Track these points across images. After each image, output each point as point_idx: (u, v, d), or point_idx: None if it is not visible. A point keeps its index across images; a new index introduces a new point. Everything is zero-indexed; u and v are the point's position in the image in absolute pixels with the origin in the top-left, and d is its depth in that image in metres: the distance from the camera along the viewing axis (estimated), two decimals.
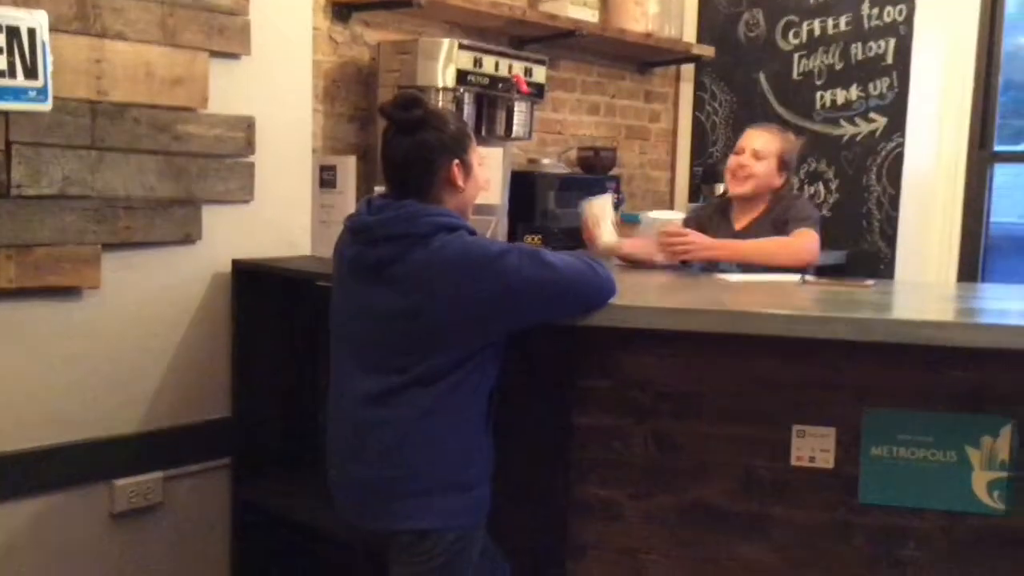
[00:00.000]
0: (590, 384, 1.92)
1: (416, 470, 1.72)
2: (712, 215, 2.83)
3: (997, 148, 3.87)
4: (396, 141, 1.75)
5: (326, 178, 2.72)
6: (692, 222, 2.77)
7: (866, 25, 3.88)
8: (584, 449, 1.93)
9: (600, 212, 2.58)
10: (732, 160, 2.75)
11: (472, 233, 1.75)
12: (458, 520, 1.75)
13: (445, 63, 2.92)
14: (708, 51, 4.26)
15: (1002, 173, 3.85)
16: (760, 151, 2.70)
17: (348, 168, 2.67)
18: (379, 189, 2.04)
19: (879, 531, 1.79)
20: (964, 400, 1.74)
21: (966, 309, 2.06)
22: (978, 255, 3.76)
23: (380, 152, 1.79)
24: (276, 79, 2.72)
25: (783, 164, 2.72)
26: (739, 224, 2.74)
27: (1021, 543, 1.73)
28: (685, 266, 2.61)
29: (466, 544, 1.75)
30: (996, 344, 1.65)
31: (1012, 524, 1.72)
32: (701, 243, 2.52)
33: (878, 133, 3.87)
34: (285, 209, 2.75)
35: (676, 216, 2.51)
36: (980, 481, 1.74)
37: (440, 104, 2.85)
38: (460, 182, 1.77)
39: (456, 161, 1.76)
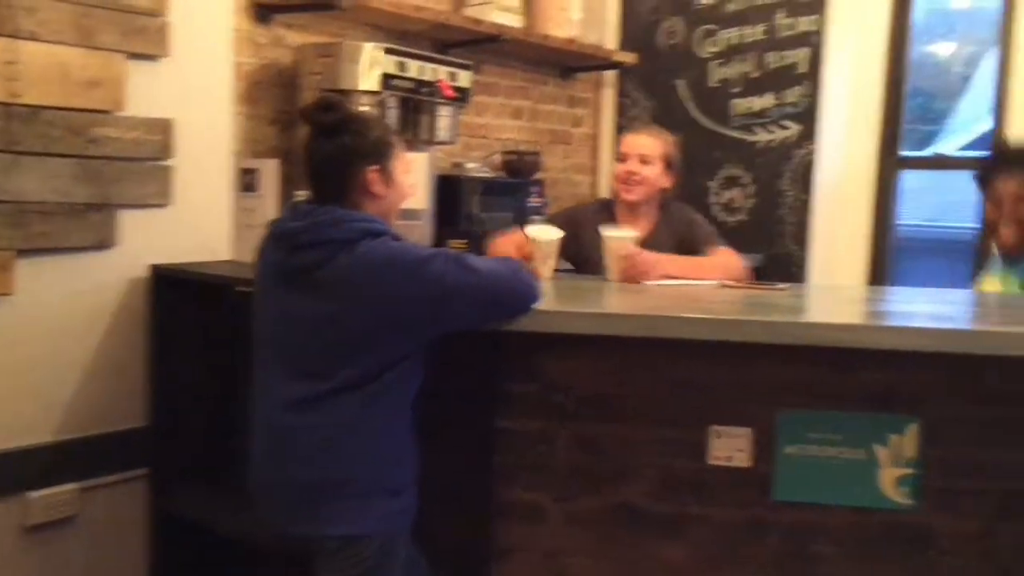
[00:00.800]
0: (514, 388, 1.94)
1: (344, 475, 1.72)
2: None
3: (904, 154, 4.02)
4: (315, 145, 1.75)
5: (247, 182, 2.69)
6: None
7: (780, 35, 4.00)
8: (508, 453, 1.94)
9: (549, 250, 2.47)
10: (619, 168, 2.76)
11: (397, 239, 1.76)
12: (386, 525, 1.76)
13: (368, 67, 2.91)
14: (630, 58, 4.32)
15: (909, 178, 4.01)
16: (646, 155, 2.73)
17: (269, 171, 2.65)
18: (300, 193, 2.03)
19: (792, 528, 1.85)
20: (873, 400, 1.81)
21: (875, 312, 2.14)
22: (886, 258, 3.90)
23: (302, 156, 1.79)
24: (196, 81, 2.68)
25: (669, 165, 2.76)
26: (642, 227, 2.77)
27: (926, 537, 1.80)
28: None
29: (393, 548, 1.76)
30: (902, 346, 1.72)
31: (918, 519, 1.80)
32: (656, 263, 2.45)
33: (791, 139, 3.99)
34: (205, 213, 2.71)
35: (627, 235, 2.49)
36: (888, 478, 1.81)
37: (364, 108, 2.83)
38: (378, 189, 1.77)
39: (374, 167, 1.76)
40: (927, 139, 8.98)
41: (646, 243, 2.63)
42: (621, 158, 2.78)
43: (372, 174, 1.76)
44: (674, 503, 1.90)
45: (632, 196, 2.73)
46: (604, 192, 4.55)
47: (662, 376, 1.89)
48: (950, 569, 1.80)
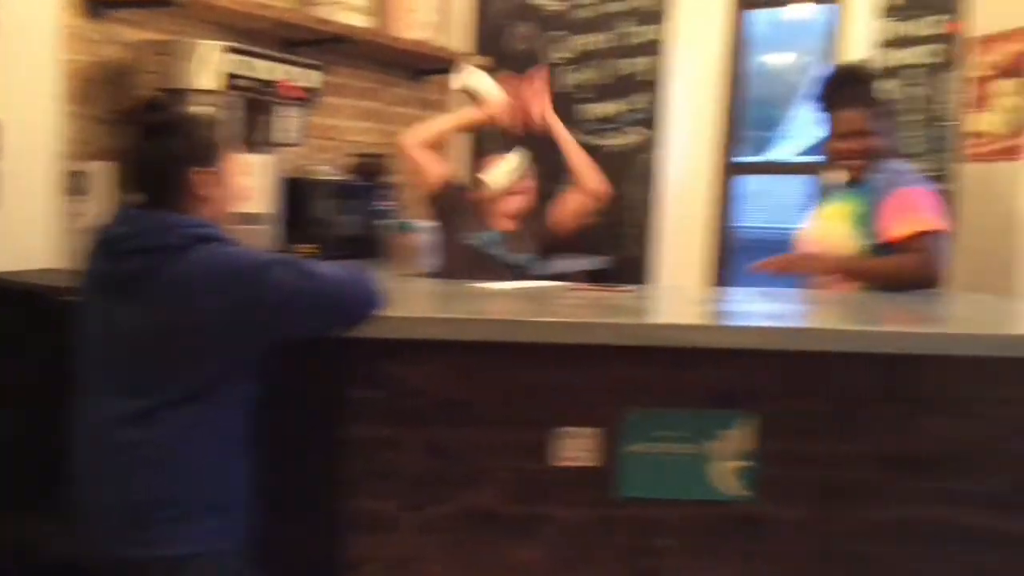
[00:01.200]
0: (360, 395, 1.90)
1: (173, 493, 1.64)
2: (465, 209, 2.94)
3: (742, 159, 4.20)
4: (139, 146, 1.66)
5: (75, 185, 2.54)
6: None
7: (627, 42, 4.10)
8: (355, 462, 1.90)
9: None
10: None
11: (231, 244, 1.69)
12: (218, 543, 1.68)
13: (208, 65, 2.80)
14: (482, 61, 4.33)
15: (746, 182, 4.19)
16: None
17: (99, 174, 2.50)
18: (131, 198, 1.92)
19: (637, 523, 1.89)
20: (712, 396, 1.87)
21: (714, 312, 2.22)
22: (726, 259, 4.06)
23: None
24: (20, 79, 2.52)
25: None
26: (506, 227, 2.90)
27: (762, 528, 1.87)
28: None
29: (226, 568, 1.68)
30: (740, 344, 1.78)
31: (755, 510, 1.87)
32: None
33: (637, 145, 4.09)
34: (28, 218, 2.54)
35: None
36: (727, 471, 1.87)
37: (204, 109, 2.72)
38: (206, 191, 1.70)
39: (200, 169, 1.69)
40: (764, 145, 9.44)
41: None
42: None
43: (198, 176, 1.69)
44: (525, 505, 1.90)
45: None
46: None
47: (511, 380, 1.89)
48: (784, 556, 1.88)
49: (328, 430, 1.89)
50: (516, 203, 2.91)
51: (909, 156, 3.38)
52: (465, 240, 2.85)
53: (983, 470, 1.85)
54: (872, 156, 2.49)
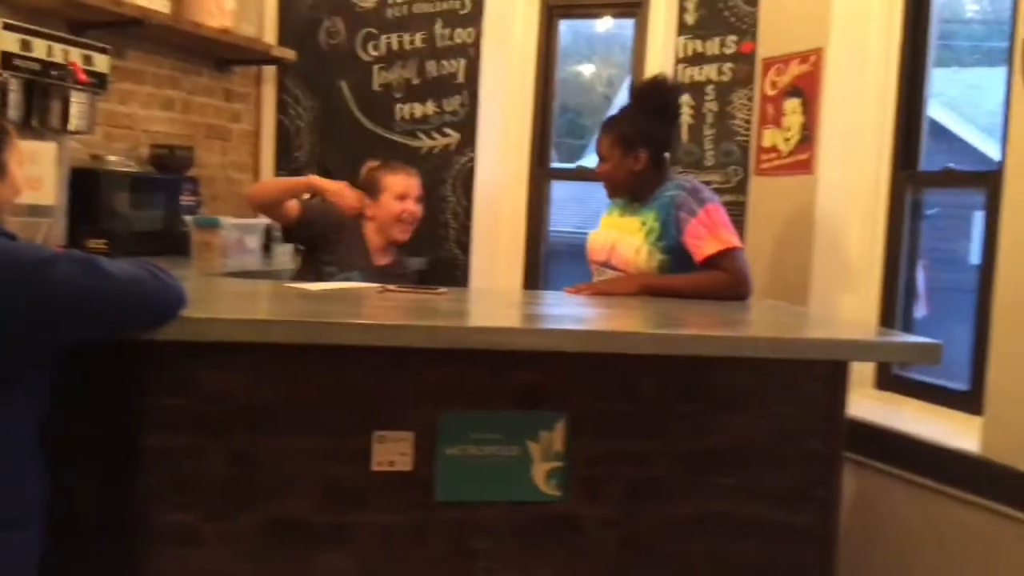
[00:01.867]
0: (160, 402, 1.79)
1: None
2: (341, 226, 2.87)
3: (554, 166, 4.30)
4: None
5: None
6: (317, 212, 2.86)
7: (439, 44, 4.09)
8: (155, 473, 1.79)
9: None
10: (398, 207, 2.87)
11: (12, 238, 1.54)
12: (15, 562, 1.54)
13: None
14: (289, 54, 4.21)
15: (559, 188, 4.29)
16: (420, 195, 2.93)
17: None
18: None
19: (453, 526, 1.88)
20: (525, 398, 1.89)
21: (528, 315, 2.24)
22: (539, 263, 4.14)
23: None
24: None
25: None
26: (381, 261, 2.87)
27: (573, 526, 1.91)
28: None
29: None
30: (550, 347, 1.81)
31: (566, 509, 1.90)
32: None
33: (452, 147, 4.10)
34: None
35: None
36: (540, 472, 1.90)
37: None
38: None
39: None
40: (576, 153, 9.75)
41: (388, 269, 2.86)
42: (402, 196, 2.86)
43: None
44: (337, 512, 1.86)
45: (408, 236, 2.91)
46: None
47: (322, 383, 1.83)
48: (595, 553, 1.92)
49: (125, 439, 1.77)
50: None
51: (705, 168, 3.59)
52: (328, 275, 2.75)
53: (776, 467, 1.97)
54: (608, 180, 2.67)
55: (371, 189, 2.85)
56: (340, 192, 2.84)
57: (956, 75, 8.70)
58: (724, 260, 2.44)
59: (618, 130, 2.64)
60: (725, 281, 2.43)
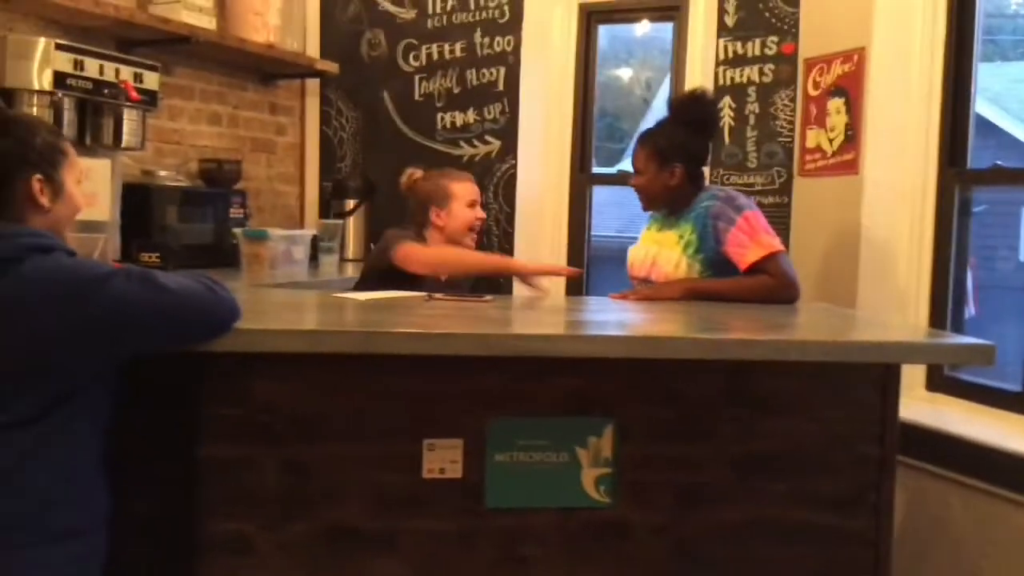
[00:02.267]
0: (216, 412, 1.82)
1: (20, 520, 1.52)
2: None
3: (595, 170, 4.30)
4: None
5: None
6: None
7: (479, 52, 4.12)
8: (211, 482, 1.82)
9: None
10: (470, 215, 2.85)
11: (71, 254, 1.59)
12: (72, 570, 1.58)
13: (40, 64, 2.63)
14: (332, 67, 4.27)
15: (600, 192, 4.29)
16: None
17: None
18: None
19: (503, 533, 1.89)
20: (572, 404, 1.90)
21: (572, 321, 2.25)
22: (583, 267, 4.14)
23: None
24: None
25: None
26: None
27: (624, 532, 1.91)
28: None
29: None
30: (595, 353, 1.81)
31: (616, 515, 1.91)
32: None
33: (494, 155, 4.12)
34: None
35: None
36: (589, 478, 1.90)
37: (34, 110, 2.55)
38: (45, 201, 1.60)
39: (38, 176, 1.59)
40: (615, 157, 9.73)
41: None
42: (471, 204, 2.83)
43: (36, 183, 1.58)
44: (388, 519, 1.88)
45: (475, 244, 2.90)
46: (313, 204, 4.45)
47: (372, 391, 1.86)
48: (645, 559, 1.92)
49: (182, 449, 1.81)
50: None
51: (748, 170, 3.57)
52: None
53: (827, 472, 1.95)
54: (644, 194, 2.66)
55: (437, 199, 2.82)
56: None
57: (1000, 69, 8.55)
58: (768, 265, 2.43)
59: (653, 144, 2.63)
60: (771, 285, 2.42)
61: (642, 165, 2.64)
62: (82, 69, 2.77)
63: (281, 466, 1.84)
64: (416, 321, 1.97)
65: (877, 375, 1.94)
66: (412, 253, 2.63)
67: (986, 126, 7.50)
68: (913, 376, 2.96)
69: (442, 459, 1.86)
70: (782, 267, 2.44)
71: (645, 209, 2.73)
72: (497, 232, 4.13)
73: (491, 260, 2.77)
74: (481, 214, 2.88)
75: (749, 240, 2.45)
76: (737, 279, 2.46)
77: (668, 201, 2.64)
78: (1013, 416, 2.64)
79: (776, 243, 2.47)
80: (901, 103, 2.98)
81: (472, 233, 2.84)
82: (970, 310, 2.95)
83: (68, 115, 2.75)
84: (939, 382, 2.95)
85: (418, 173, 2.89)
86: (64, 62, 2.70)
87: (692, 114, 2.66)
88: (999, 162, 2.94)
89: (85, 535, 1.61)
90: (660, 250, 2.61)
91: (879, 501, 1.95)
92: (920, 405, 2.87)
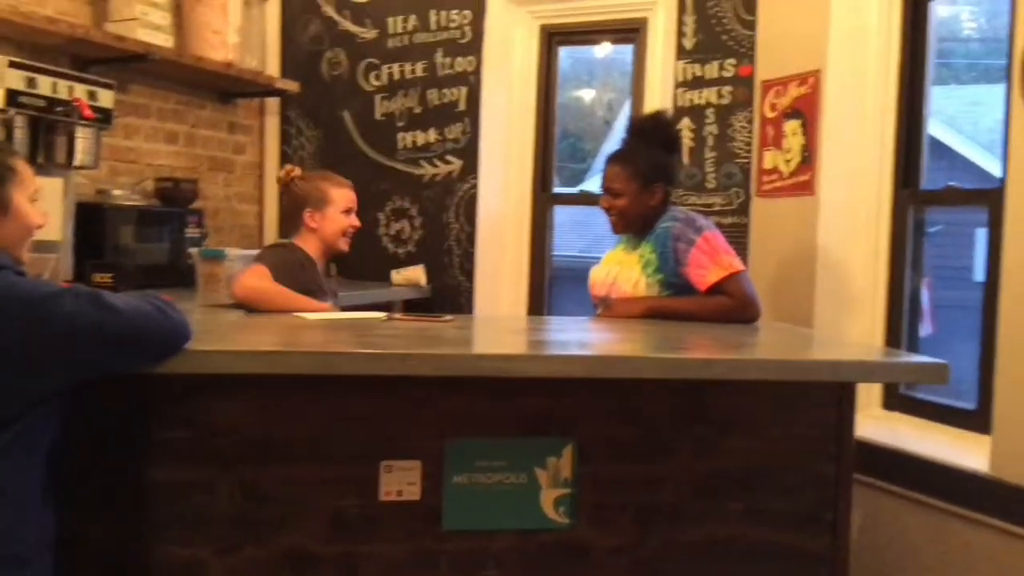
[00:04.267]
0: (167, 435, 1.79)
1: None
2: (302, 265, 2.65)
3: (557, 190, 4.31)
4: None
5: None
6: (282, 272, 2.53)
7: (440, 72, 4.12)
8: (162, 506, 1.79)
9: None
10: (346, 221, 2.71)
11: (21, 274, 1.55)
12: None
13: None
14: (292, 86, 4.25)
15: (562, 213, 4.30)
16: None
17: None
18: None
19: (461, 555, 1.87)
20: (532, 425, 1.89)
21: (533, 341, 2.24)
22: (544, 287, 4.15)
23: None
24: None
25: None
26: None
27: (584, 553, 1.90)
28: None
29: None
30: (554, 373, 1.81)
31: (576, 536, 1.90)
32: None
33: (455, 174, 4.12)
34: None
35: None
36: (548, 499, 1.89)
37: None
38: None
39: None
40: (578, 177, 9.78)
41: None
42: (347, 211, 2.70)
43: None
44: (345, 543, 1.85)
45: (349, 248, 2.76)
46: (272, 223, 4.41)
47: (329, 413, 1.83)
48: None
49: (132, 473, 1.77)
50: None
51: (707, 191, 3.60)
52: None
53: (785, 490, 1.96)
54: (621, 215, 2.61)
55: (313, 200, 2.68)
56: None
57: (955, 92, 8.74)
58: (729, 285, 2.44)
59: (635, 165, 2.60)
60: (731, 305, 2.43)
61: (622, 186, 2.60)
62: (35, 87, 2.73)
63: (235, 489, 1.81)
64: (373, 341, 1.95)
65: (833, 394, 1.95)
66: (241, 280, 2.46)
67: (940, 148, 7.65)
68: (869, 394, 2.99)
69: (400, 481, 1.84)
70: (743, 287, 2.46)
71: (618, 231, 2.70)
72: (458, 252, 4.12)
73: (302, 304, 2.46)
74: (356, 222, 2.75)
75: (709, 261, 2.46)
76: (698, 298, 2.47)
77: (646, 222, 2.61)
78: (968, 434, 2.68)
79: (736, 263, 2.49)
80: (856, 125, 3.03)
81: (345, 239, 2.73)
82: (927, 329, 2.99)
83: (20, 133, 2.71)
84: (895, 400, 2.99)
85: (296, 171, 2.74)
86: (16, 79, 2.66)
87: (659, 135, 2.68)
88: (953, 183, 2.98)
89: (30, 563, 1.56)
90: (621, 270, 2.61)
91: (835, 519, 1.96)
92: (876, 423, 2.90)
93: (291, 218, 2.75)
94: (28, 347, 1.47)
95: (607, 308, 2.59)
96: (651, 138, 2.66)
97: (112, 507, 1.79)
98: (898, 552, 2.69)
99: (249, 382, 1.76)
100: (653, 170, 2.60)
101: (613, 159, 2.68)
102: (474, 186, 4.08)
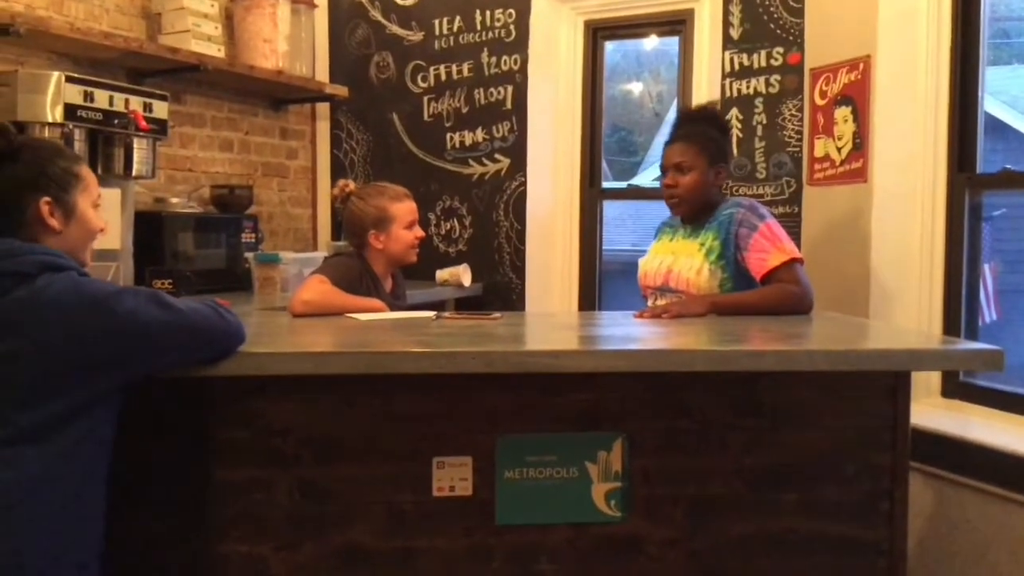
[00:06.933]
0: (227, 435, 1.84)
1: (21, 546, 1.51)
2: (361, 277, 2.67)
3: (605, 185, 4.31)
4: None
5: None
6: (342, 285, 2.53)
7: (487, 72, 4.15)
8: (224, 504, 1.84)
9: None
10: (411, 236, 2.71)
11: (83, 274, 1.61)
12: None
13: (52, 97, 2.67)
14: (341, 91, 4.31)
15: (611, 207, 4.29)
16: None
17: None
18: None
19: (515, 550, 1.89)
20: (581, 419, 1.90)
21: (582, 336, 2.25)
22: (595, 282, 4.15)
23: None
24: None
25: None
26: (388, 288, 2.76)
27: (635, 546, 1.91)
28: None
29: None
30: (602, 368, 1.82)
31: (627, 529, 1.90)
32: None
33: (503, 172, 4.14)
34: None
35: None
36: (599, 492, 1.90)
37: (49, 139, 2.59)
38: (55, 223, 1.64)
39: (47, 199, 1.62)
40: (629, 170, 9.74)
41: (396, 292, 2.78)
42: (409, 225, 2.71)
43: (45, 206, 1.62)
44: (400, 539, 1.88)
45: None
46: (325, 226, 4.48)
47: (382, 411, 1.87)
48: (658, 573, 1.92)
49: (194, 472, 1.82)
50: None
51: (757, 181, 3.56)
52: None
53: (840, 481, 1.94)
54: (689, 192, 2.58)
55: (376, 222, 2.67)
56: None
57: (1016, 72, 8.49)
58: (788, 272, 2.42)
59: (701, 142, 2.59)
60: (793, 293, 2.41)
61: (691, 160, 2.58)
62: (92, 101, 2.81)
63: (293, 487, 1.85)
64: (423, 340, 1.98)
65: (886, 383, 1.93)
66: (299, 292, 2.46)
67: (1002, 129, 7.44)
68: (928, 383, 2.94)
69: (452, 477, 1.87)
70: (800, 275, 2.44)
71: (680, 213, 2.66)
72: (508, 249, 4.14)
73: (363, 304, 2.48)
74: (420, 233, 2.75)
75: (771, 246, 2.45)
76: (759, 290, 2.45)
77: (708, 203, 2.59)
78: None
79: (796, 251, 2.48)
80: (908, 110, 2.97)
81: (413, 251, 2.74)
82: (991, 314, 2.92)
83: (79, 146, 2.79)
84: (954, 388, 2.93)
85: (351, 185, 2.74)
86: (75, 94, 2.75)
87: (713, 121, 2.69)
88: (1008, 166, 2.91)
89: (88, 567, 1.60)
90: (677, 258, 2.60)
91: (892, 509, 1.94)
92: (936, 412, 2.85)
93: (354, 236, 2.73)
94: (95, 341, 1.52)
95: (672, 305, 2.55)
96: (706, 122, 2.67)
97: (174, 506, 1.84)
98: (962, 541, 2.64)
99: (304, 383, 1.80)
100: (717, 149, 2.61)
101: (676, 138, 2.65)
102: (523, 183, 4.10)
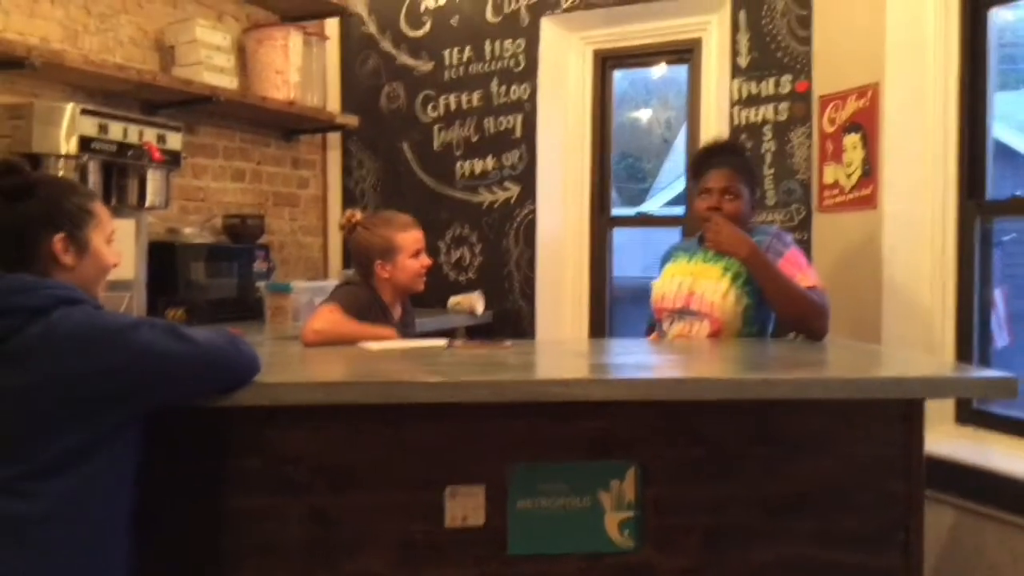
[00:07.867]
0: (240, 465, 1.84)
1: (43, 574, 1.51)
2: (370, 306, 2.67)
3: (615, 212, 4.32)
4: None
5: None
6: (354, 312, 2.55)
7: (496, 101, 4.18)
8: (236, 533, 1.83)
9: None
10: (417, 265, 2.70)
11: (97, 307, 1.62)
12: None
13: (67, 129, 2.70)
14: (352, 120, 4.34)
15: (621, 233, 4.30)
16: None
17: None
18: None
19: None
20: (594, 448, 1.89)
21: (593, 364, 2.25)
22: (605, 309, 4.15)
23: None
24: None
25: None
26: (397, 315, 2.76)
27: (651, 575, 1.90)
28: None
29: None
30: (614, 396, 1.81)
31: (641, 559, 1.89)
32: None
33: (513, 200, 4.16)
34: None
35: None
36: (612, 522, 1.89)
37: (60, 173, 2.62)
38: (68, 259, 1.65)
39: (61, 236, 1.63)
40: (638, 196, 9.76)
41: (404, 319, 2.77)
42: (415, 254, 2.70)
43: (59, 243, 1.63)
44: (412, 568, 1.87)
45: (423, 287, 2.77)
46: (336, 254, 4.50)
47: (394, 441, 1.86)
48: None
49: (206, 502, 1.82)
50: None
51: (767, 208, 3.57)
52: None
53: (855, 509, 1.92)
54: (732, 217, 2.59)
55: (382, 252, 2.67)
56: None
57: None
58: (813, 294, 2.48)
59: (747, 169, 2.69)
60: (816, 303, 2.45)
61: (739, 188, 2.62)
62: (106, 133, 2.84)
63: (305, 516, 1.85)
64: (435, 369, 1.98)
65: (900, 410, 1.92)
66: (310, 322, 2.48)
67: (1011, 155, 7.44)
68: (942, 410, 2.92)
69: (464, 506, 1.86)
70: (823, 297, 2.49)
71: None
72: (519, 277, 4.14)
73: (374, 332, 2.50)
74: (427, 261, 2.74)
75: (797, 272, 2.51)
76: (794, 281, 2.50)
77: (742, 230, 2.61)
78: None
79: (820, 281, 2.54)
80: (917, 136, 2.98)
81: (420, 279, 2.73)
82: (1004, 340, 2.90)
83: (93, 177, 2.82)
84: (968, 415, 2.91)
85: (357, 215, 2.74)
86: (89, 126, 2.78)
87: (743, 155, 2.83)
88: (1018, 192, 2.91)
89: None
90: (698, 280, 2.60)
91: (908, 538, 1.92)
92: (950, 439, 2.83)
93: (361, 266, 2.74)
94: (111, 374, 1.53)
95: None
96: (740, 154, 2.79)
97: (188, 535, 1.84)
98: (978, 569, 2.61)
99: (315, 412, 1.80)
100: (755, 181, 2.72)
101: (725, 164, 2.66)
102: (532, 211, 4.11)
